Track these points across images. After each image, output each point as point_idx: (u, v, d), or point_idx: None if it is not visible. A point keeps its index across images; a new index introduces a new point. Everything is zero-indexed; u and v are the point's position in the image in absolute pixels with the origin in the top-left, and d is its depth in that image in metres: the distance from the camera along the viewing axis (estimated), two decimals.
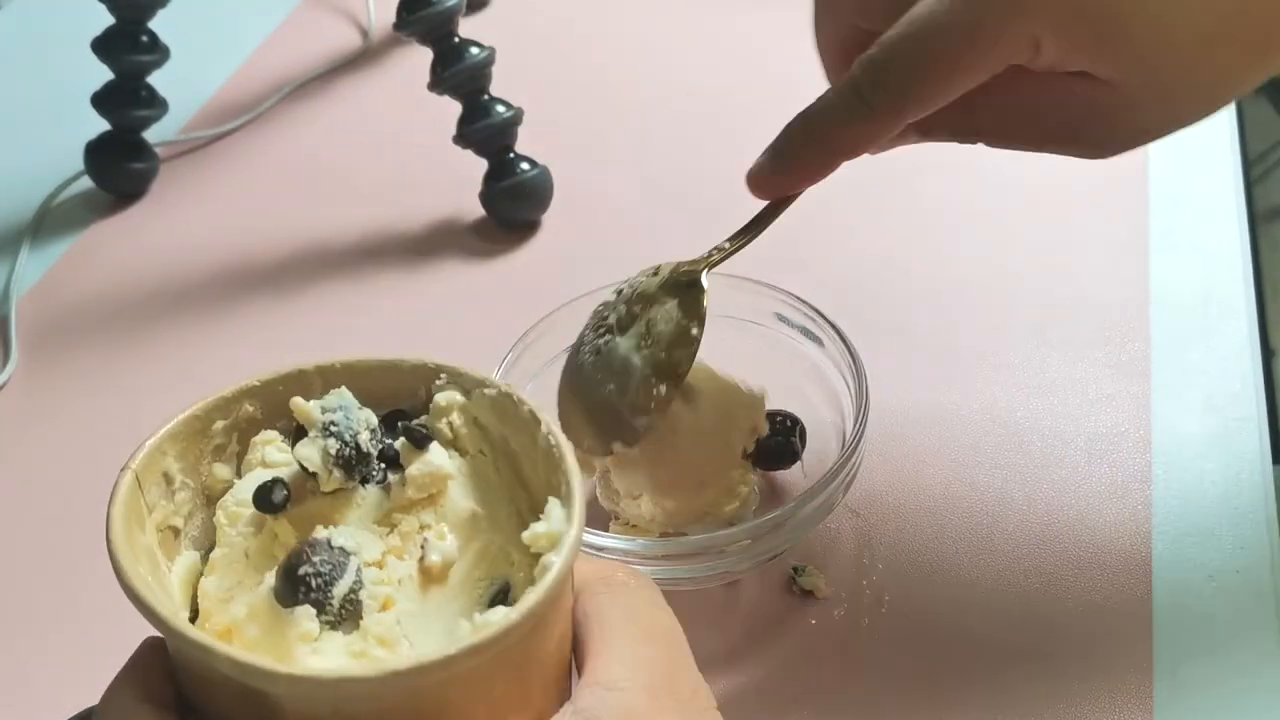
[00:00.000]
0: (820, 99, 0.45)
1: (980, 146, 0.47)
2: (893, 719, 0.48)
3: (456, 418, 0.36)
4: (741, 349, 0.56)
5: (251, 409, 0.36)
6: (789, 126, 0.46)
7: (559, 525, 0.33)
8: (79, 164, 0.80)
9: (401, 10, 0.71)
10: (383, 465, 0.35)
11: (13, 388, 0.68)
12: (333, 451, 0.34)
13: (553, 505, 0.33)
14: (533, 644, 0.32)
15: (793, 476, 0.56)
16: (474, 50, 0.72)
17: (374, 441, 0.35)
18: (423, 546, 0.34)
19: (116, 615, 0.55)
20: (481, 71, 0.72)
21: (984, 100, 0.43)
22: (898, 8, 0.42)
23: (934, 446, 0.59)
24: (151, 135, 0.80)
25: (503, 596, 0.34)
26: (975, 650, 0.50)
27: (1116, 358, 0.62)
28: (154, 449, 0.34)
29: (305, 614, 0.32)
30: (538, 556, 0.33)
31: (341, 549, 0.33)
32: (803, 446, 0.54)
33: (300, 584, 0.32)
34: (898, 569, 0.53)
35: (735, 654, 0.50)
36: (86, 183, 0.81)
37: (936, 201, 0.74)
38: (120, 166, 0.80)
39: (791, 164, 0.46)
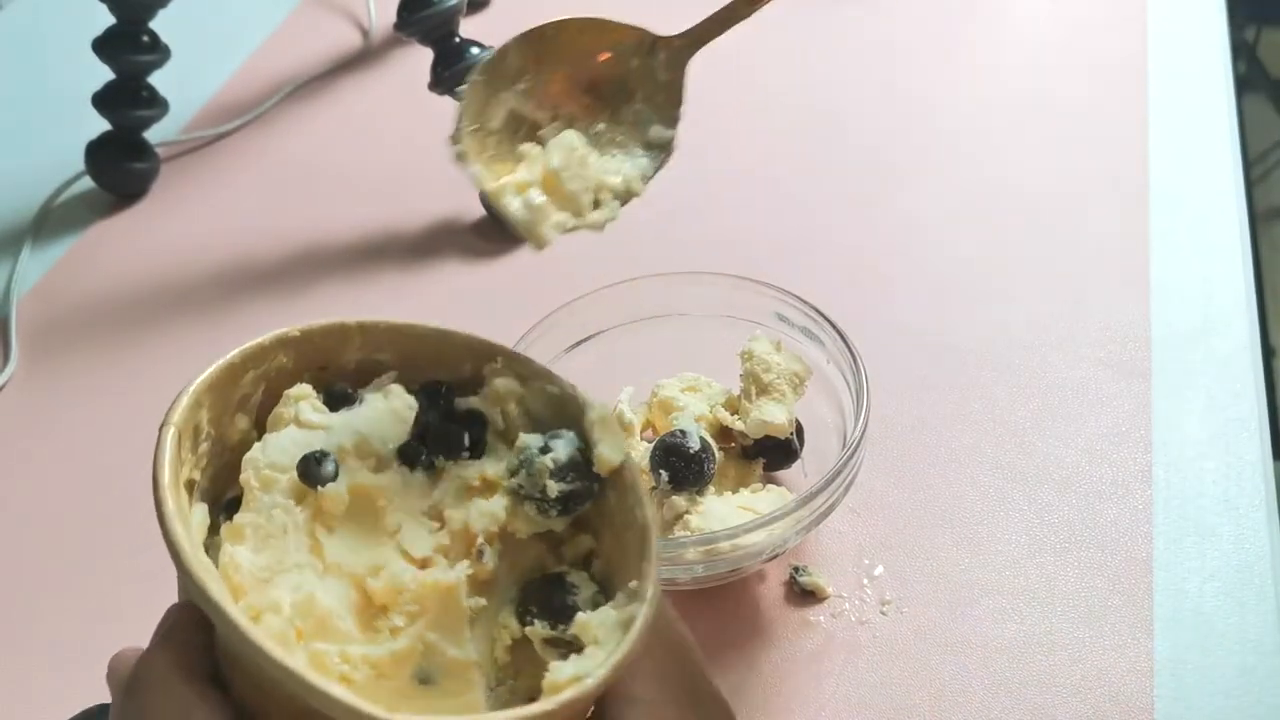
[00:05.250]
0: None
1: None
2: (893, 718, 0.48)
3: (513, 408, 0.35)
4: (742, 349, 0.56)
5: (285, 360, 0.35)
6: None
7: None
8: (79, 164, 0.80)
9: (402, 10, 0.71)
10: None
11: (13, 388, 0.68)
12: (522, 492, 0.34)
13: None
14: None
15: (793, 476, 0.56)
16: (474, 50, 0.72)
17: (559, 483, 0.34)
18: (480, 553, 0.33)
19: (117, 613, 0.55)
20: None
21: None
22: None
23: (934, 446, 0.59)
24: (152, 135, 0.80)
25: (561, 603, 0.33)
26: (975, 650, 0.50)
27: (1116, 358, 0.62)
28: (192, 402, 0.32)
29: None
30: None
31: None
32: (802, 446, 0.55)
33: None
34: (898, 569, 0.53)
35: (736, 654, 0.50)
36: (87, 183, 0.81)
37: (936, 203, 0.74)
38: (121, 166, 0.80)
39: None
